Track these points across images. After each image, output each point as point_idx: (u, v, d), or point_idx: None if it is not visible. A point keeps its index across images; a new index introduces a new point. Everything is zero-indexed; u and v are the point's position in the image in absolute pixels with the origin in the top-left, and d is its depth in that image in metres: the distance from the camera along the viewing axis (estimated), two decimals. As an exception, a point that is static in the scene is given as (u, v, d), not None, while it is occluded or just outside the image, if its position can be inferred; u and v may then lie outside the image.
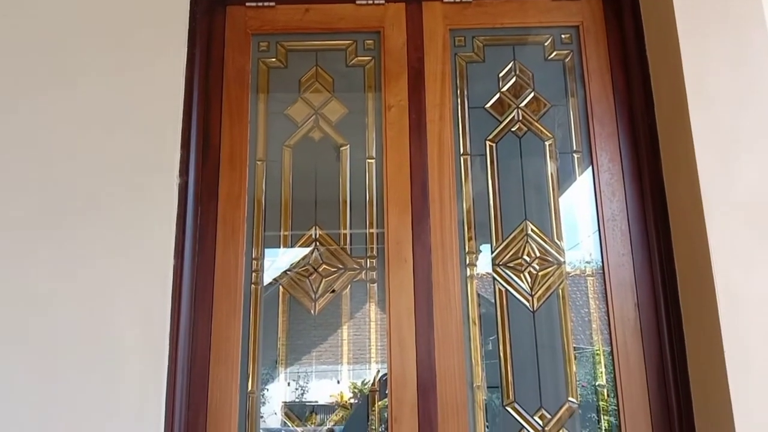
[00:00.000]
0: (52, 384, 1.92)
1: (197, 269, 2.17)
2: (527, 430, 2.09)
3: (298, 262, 2.27)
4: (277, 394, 2.23)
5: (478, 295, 2.19)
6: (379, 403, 2.14)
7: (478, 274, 2.21)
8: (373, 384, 2.18)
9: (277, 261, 2.27)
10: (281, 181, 2.33)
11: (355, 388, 2.23)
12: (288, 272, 2.26)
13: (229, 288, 2.18)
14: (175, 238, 2.09)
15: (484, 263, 2.23)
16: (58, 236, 2.03)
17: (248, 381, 2.14)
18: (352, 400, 2.21)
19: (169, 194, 2.11)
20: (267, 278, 2.26)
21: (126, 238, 2.05)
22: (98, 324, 1.97)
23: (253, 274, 2.25)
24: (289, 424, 2.19)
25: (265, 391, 2.20)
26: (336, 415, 2.22)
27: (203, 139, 2.26)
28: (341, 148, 2.38)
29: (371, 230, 2.28)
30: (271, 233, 2.29)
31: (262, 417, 2.16)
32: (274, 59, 2.44)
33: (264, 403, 2.19)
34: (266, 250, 2.27)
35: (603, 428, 2.10)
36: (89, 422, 1.90)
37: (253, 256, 2.26)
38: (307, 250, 2.27)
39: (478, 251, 2.23)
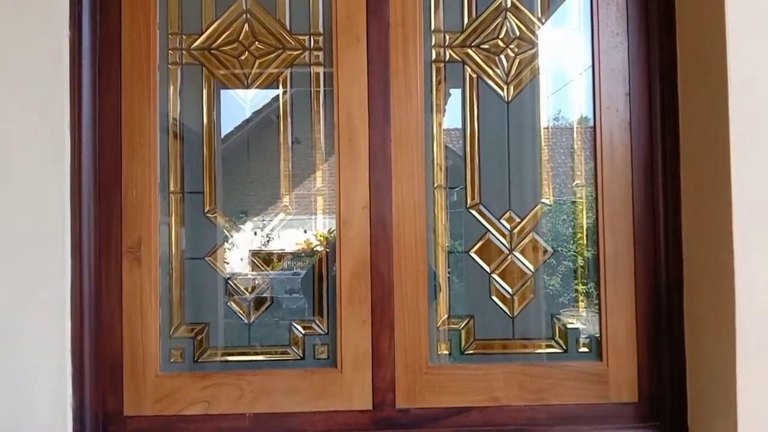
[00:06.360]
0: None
1: (100, 45, 1.77)
2: (492, 234, 1.86)
3: (225, 38, 1.85)
4: (244, 242, 1.93)
5: (444, 78, 1.85)
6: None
7: (444, 56, 1.85)
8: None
9: (200, 38, 1.85)
10: (199, -68, 1.85)
11: (321, 236, 1.93)
12: (212, 51, 1.85)
13: (140, 68, 1.78)
14: (69, 3, 1.68)
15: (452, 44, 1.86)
16: None
17: (170, 179, 1.82)
18: (317, 248, 1.91)
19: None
20: (186, 58, 1.85)
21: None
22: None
23: (170, 52, 1.83)
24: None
25: (230, 237, 1.90)
26: (303, 261, 1.95)
27: None
28: None
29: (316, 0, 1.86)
30: (189, 1, 1.84)
31: (227, 263, 1.88)
32: None
33: (230, 249, 1.91)
34: (185, 23, 1.84)
35: (577, 232, 1.88)
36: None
37: (169, 30, 1.83)
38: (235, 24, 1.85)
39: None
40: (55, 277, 1.65)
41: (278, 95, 1.87)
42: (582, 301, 1.85)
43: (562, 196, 1.88)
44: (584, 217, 1.85)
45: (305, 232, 1.92)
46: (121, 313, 1.75)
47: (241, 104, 1.93)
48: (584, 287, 1.85)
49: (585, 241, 1.85)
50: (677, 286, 1.73)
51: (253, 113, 1.94)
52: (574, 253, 1.88)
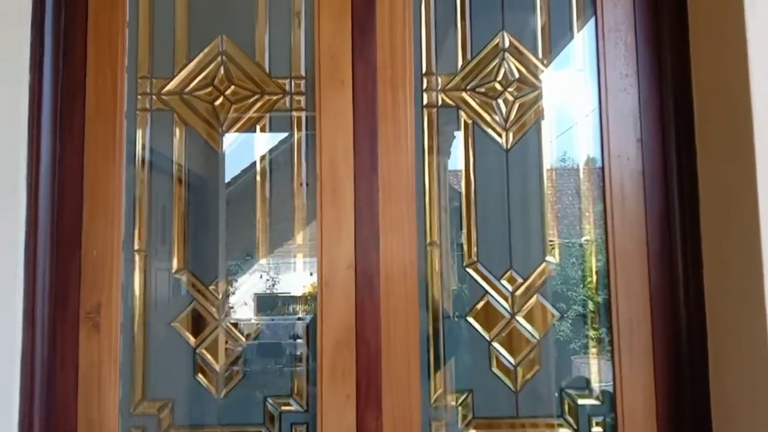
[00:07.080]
0: None
1: (62, 90, 1.64)
2: (492, 296, 1.67)
3: (199, 82, 1.70)
4: (247, 285, 1.78)
5: (437, 128, 1.69)
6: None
7: (437, 101, 1.69)
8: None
9: (172, 82, 1.70)
10: (173, -28, 1.72)
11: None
12: (184, 95, 1.70)
13: (106, 115, 1.64)
14: (30, 45, 1.55)
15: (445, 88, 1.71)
16: None
17: (135, 236, 1.66)
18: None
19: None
20: (156, 104, 1.70)
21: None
22: None
23: (139, 97, 1.69)
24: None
25: (234, 281, 1.74)
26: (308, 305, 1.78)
27: None
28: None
29: (298, 41, 1.72)
30: (161, 43, 1.71)
31: (232, 307, 1.72)
32: None
33: (233, 293, 1.74)
34: (156, 67, 1.70)
35: (586, 296, 1.69)
36: None
37: (138, 74, 1.69)
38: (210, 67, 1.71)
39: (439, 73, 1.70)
40: (3, 346, 1.46)
41: (284, 138, 1.73)
42: (594, 363, 1.65)
43: (569, 254, 1.70)
44: (594, 278, 1.67)
45: (311, 274, 1.76)
46: (77, 387, 1.56)
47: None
48: (596, 351, 1.65)
49: (597, 306, 1.66)
50: (702, 358, 1.51)
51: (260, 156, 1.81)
52: (583, 317, 1.68)
